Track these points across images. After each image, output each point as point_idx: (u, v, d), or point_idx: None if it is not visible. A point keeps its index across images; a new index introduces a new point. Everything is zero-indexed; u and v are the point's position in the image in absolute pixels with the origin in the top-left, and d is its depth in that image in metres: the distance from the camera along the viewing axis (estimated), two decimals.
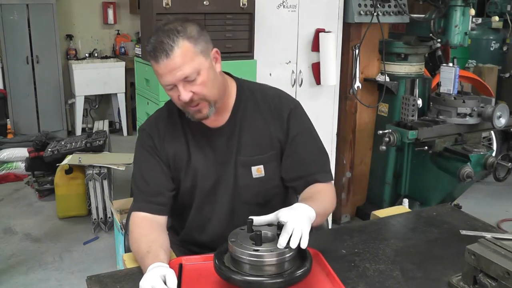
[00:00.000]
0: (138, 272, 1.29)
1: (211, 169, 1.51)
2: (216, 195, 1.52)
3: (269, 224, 1.25)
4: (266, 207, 1.53)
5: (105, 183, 3.49)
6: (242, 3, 2.69)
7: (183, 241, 1.60)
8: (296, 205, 1.28)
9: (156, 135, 1.51)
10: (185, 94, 1.36)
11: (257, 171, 1.51)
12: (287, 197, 1.64)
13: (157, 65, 1.35)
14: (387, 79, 3.33)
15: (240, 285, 1.13)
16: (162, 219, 1.46)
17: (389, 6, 3.25)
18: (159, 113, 1.59)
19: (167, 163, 1.50)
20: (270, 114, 1.53)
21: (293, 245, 1.14)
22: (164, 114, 1.56)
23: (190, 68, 1.34)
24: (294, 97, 1.76)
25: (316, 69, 3.19)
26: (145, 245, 1.34)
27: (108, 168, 3.56)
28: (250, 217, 1.22)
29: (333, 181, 1.57)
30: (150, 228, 1.42)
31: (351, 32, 3.34)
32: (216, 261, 1.17)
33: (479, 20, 5.26)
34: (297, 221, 1.18)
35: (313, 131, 1.59)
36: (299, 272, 1.14)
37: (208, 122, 1.50)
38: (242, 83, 1.58)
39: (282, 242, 1.15)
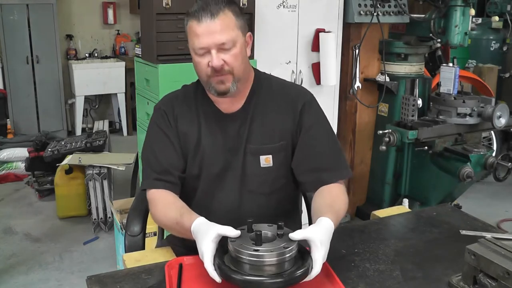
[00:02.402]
0: (138, 272, 1.29)
1: (219, 154, 1.51)
2: (223, 182, 1.52)
3: (269, 224, 1.25)
4: (271, 197, 1.54)
5: (105, 183, 3.50)
6: (242, 3, 2.69)
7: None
8: (328, 224, 1.25)
9: (171, 113, 1.53)
10: (217, 60, 1.38)
11: (266, 160, 1.51)
12: (293, 190, 1.63)
13: (198, 25, 1.38)
14: (387, 79, 3.33)
15: (240, 285, 1.13)
16: (176, 195, 1.48)
17: (389, 6, 3.25)
18: (174, 93, 1.61)
19: (179, 142, 1.52)
20: (284, 104, 1.54)
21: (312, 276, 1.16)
22: (180, 95, 1.58)
23: (229, 36, 1.39)
24: None
25: (316, 69, 3.19)
26: (174, 212, 1.38)
27: (108, 168, 3.56)
28: (290, 234, 1.19)
29: (349, 176, 1.54)
30: (173, 197, 1.46)
31: (351, 32, 3.34)
32: (217, 260, 1.17)
33: (479, 20, 5.26)
34: (326, 251, 1.19)
35: (327, 125, 1.58)
36: (299, 272, 1.14)
37: (223, 107, 1.52)
38: (259, 73, 1.60)
39: (318, 269, 1.15)
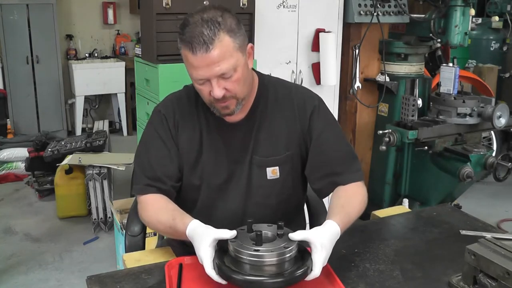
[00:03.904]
0: (138, 272, 1.29)
1: (222, 165, 1.46)
2: (226, 192, 1.48)
3: (269, 224, 1.25)
4: (278, 208, 1.50)
5: (105, 183, 3.49)
6: (242, 3, 2.69)
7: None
8: (333, 228, 1.24)
9: (171, 119, 1.46)
10: (218, 91, 1.30)
11: (272, 172, 1.47)
12: (299, 198, 1.61)
13: (193, 57, 1.27)
14: (387, 79, 3.33)
15: (240, 285, 1.13)
16: (168, 199, 1.44)
17: (389, 6, 3.25)
18: (176, 96, 1.52)
19: (177, 151, 1.46)
20: (292, 111, 1.48)
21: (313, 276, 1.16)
22: (182, 99, 1.50)
23: (228, 64, 1.28)
24: None
25: (316, 69, 3.19)
26: (166, 216, 1.35)
27: (108, 168, 3.56)
28: (290, 234, 1.19)
29: (361, 179, 1.49)
30: (165, 201, 1.42)
31: (351, 32, 3.33)
32: (216, 261, 1.17)
33: (479, 20, 5.25)
34: (327, 255, 1.19)
35: (338, 128, 1.53)
36: (300, 271, 1.14)
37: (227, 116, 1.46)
38: (264, 77, 1.53)
39: (317, 272, 1.15)
